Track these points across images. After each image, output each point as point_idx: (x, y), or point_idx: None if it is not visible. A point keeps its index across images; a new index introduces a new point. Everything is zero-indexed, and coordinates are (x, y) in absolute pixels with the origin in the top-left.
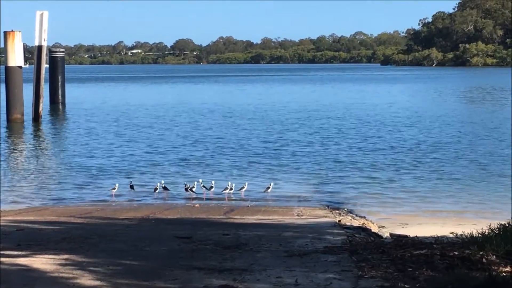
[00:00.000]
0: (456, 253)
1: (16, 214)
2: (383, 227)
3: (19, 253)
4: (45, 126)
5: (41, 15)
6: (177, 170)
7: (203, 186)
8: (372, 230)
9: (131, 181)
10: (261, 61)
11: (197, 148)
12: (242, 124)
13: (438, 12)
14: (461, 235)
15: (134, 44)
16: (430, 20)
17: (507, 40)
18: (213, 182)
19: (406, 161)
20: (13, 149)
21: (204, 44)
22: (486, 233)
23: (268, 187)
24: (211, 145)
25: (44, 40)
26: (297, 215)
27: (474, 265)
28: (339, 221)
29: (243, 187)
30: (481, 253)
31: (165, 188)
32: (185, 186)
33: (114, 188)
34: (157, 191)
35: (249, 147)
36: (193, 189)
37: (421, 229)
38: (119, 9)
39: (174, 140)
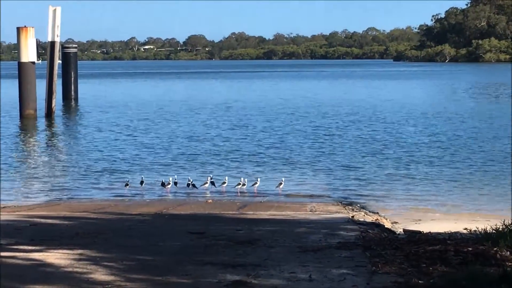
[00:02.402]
0: (470, 249)
1: (29, 209)
2: (396, 223)
3: (33, 248)
4: (58, 122)
5: (54, 10)
6: (188, 166)
7: (211, 182)
8: (386, 226)
9: (142, 177)
10: (273, 57)
11: (208, 144)
12: (253, 120)
13: (451, 8)
14: (475, 231)
15: (147, 40)
16: (443, 16)
17: None
18: (226, 178)
19: (419, 157)
20: (26, 144)
21: (216, 40)
22: (500, 229)
23: (281, 183)
24: (221, 141)
25: (57, 36)
26: (310, 211)
27: (488, 261)
28: (352, 216)
29: (256, 183)
30: (495, 249)
31: (175, 184)
32: (188, 181)
33: (127, 184)
34: (169, 186)
35: (261, 143)
36: (206, 185)
37: (434, 225)
38: (131, 5)
39: (187, 136)
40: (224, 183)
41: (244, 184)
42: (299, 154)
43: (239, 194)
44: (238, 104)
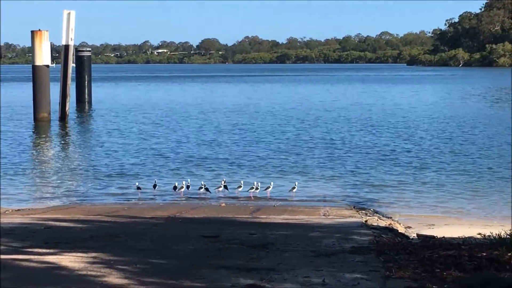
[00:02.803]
0: (484, 254)
1: (43, 212)
2: (409, 227)
3: (47, 250)
4: (72, 125)
5: (68, 14)
6: (200, 170)
7: (224, 186)
8: (399, 231)
9: (155, 181)
10: (286, 61)
11: (220, 148)
12: (265, 124)
13: (465, 12)
14: (489, 236)
15: (160, 43)
16: (456, 20)
17: None
18: (242, 182)
19: (433, 162)
20: (40, 147)
21: (229, 44)
22: None
23: (294, 187)
24: (233, 145)
25: (71, 40)
26: (324, 215)
27: (502, 266)
28: (366, 221)
29: (269, 187)
30: (509, 254)
31: (188, 187)
32: (201, 185)
33: (139, 188)
34: (182, 189)
35: (273, 147)
36: (219, 189)
37: (448, 230)
38: (145, 9)
39: (199, 140)
40: (240, 187)
41: (257, 188)
42: (312, 158)
43: (252, 198)
44: (250, 108)
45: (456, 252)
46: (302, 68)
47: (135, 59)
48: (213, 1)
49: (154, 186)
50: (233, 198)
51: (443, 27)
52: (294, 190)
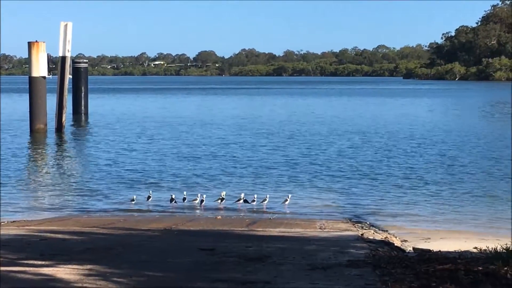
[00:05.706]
0: (480, 268)
1: (39, 223)
2: (405, 241)
3: (43, 263)
4: (68, 136)
5: (65, 26)
6: (193, 183)
7: (221, 198)
8: (395, 244)
9: (150, 192)
10: (283, 73)
11: (214, 160)
12: (260, 136)
13: (461, 26)
14: (485, 250)
15: (157, 55)
16: (453, 34)
17: None
18: (242, 195)
19: (428, 175)
20: (36, 159)
21: (226, 56)
22: (510, 249)
23: (286, 200)
24: (227, 158)
25: (68, 51)
26: (320, 228)
27: (498, 280)
28: (362, 234)
29: (265, 200)
30: (505, 268)
31: (184, 200)
32: (197, 197)
33: (133, 200)
34: (185, 201)
35: (269, 160)
36: (219, 201)
37: (444, 243)
38: (142, 21)
39: (195, 152)
40: (239, 200)
41: (253, 201)
42: (305, 171)
43: (248, 210)
44: (243, 121)
45: (452, 266)
46: (298, 81)
47: (132, 71)
48: (210, 13)
49: (148, 198)
50: (230, 210)
51: (440, 41)
52: (287, 203)
